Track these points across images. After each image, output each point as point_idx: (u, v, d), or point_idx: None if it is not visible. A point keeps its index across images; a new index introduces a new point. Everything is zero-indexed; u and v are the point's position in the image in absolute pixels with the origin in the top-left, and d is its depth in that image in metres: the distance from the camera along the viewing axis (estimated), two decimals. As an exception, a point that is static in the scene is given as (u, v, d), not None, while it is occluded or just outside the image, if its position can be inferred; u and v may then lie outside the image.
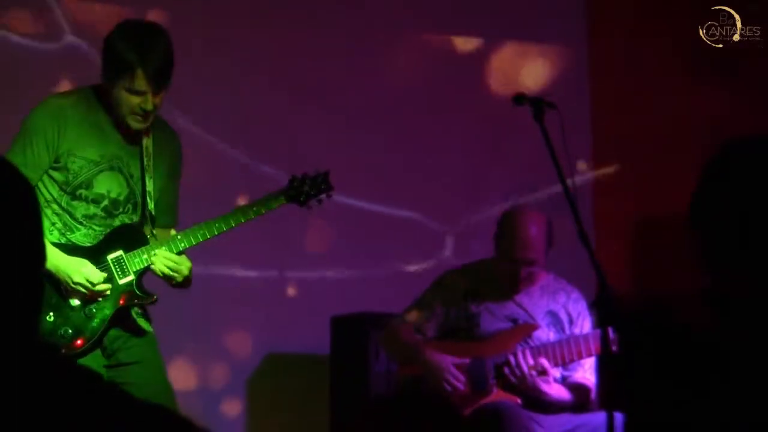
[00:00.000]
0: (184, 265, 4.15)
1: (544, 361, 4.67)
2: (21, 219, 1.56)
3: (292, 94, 5.98)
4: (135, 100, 3.99)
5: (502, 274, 4.84)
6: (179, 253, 4.16)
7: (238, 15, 5.90)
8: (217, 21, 5.86)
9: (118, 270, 4.11)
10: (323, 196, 4.38)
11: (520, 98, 4.19)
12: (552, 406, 4.74)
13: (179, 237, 4.16)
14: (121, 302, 4.13)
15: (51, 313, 4.05)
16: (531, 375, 4.65)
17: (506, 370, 4.68)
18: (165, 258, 4.12)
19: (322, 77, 6.04)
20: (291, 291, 5.96)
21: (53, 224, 4.09)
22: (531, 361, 4.67)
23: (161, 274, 4.13)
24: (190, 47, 5.17)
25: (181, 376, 5.64)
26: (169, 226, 4.28)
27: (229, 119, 5.89)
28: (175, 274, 4.13)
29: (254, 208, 4.24)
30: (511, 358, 4.68)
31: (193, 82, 5.44)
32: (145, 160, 4.14)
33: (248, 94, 5.92)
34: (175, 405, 4.21)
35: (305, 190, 4.33)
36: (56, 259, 4.02)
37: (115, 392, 1.56)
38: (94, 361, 4.08)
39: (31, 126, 4.07)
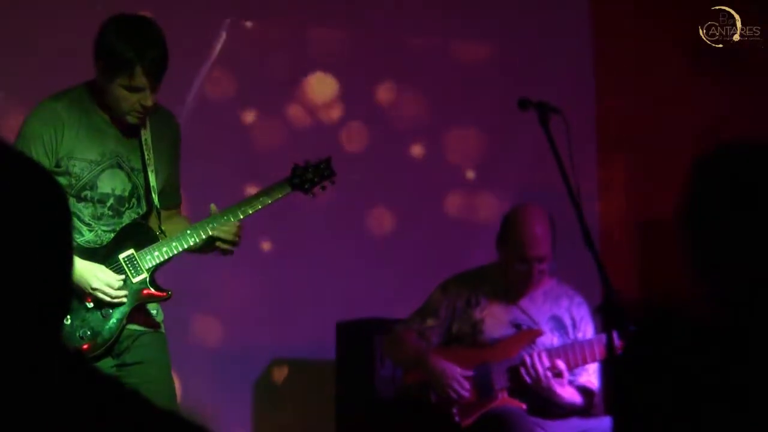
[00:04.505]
0: (237, 227, 4.16)
1: (561, 363, 4.66)
2: (51, 219, 1.57)
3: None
4: (134, 97, 3.96)
5: (514, 274, 4.82)
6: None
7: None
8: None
9: (131, 269, 4.10)
10: (327, 182, 4.36)
11: (524, 102, 4.18)
12: (561, 409, 4.73)
13: (189, 232, 4.14)
14: (137, 301, 4.12)
15: (68, 316, 4.04)
16: (546, 377, 4.64)
17: (522, 371, 4.68)
18: (225, 228, 4.13)
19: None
20: (296, 296, 5.95)
21: None
22: (547, 363, 4.66)
23: (225, 243, 4.13)
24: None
25: (187, 381, 5.63)
26: (175, 207, 4.29)
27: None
28: (236, 238, 4.15)
29: (260, 199, 4.21)
30: (527, 359, 4.67)
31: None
32: (145, 153, 4.12)
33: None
34: (176, 405, 4.21)
35: (309, 177, 4.30)
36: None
37: (135, 399, 1.57)
38: (103, 363, 4.08)
39: (27, 133, 4.05)
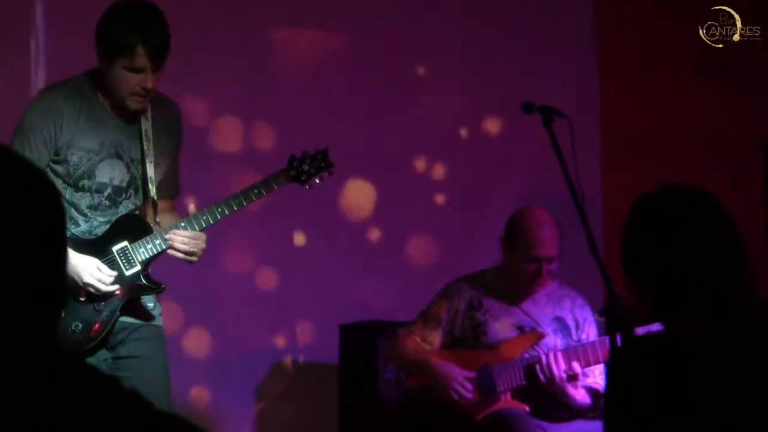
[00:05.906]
0: (201, 239, 4.11)
1: (576, 366, 4.66)
2: (48, 218, 1.57)
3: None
4: (135, 78, 3.95)
5: (521, 274, 4.80)
6: None
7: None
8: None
9: (124, 261, 4.09)
10: (324, 173, 4.33)
11: (528, 106, 4.18)
12: (570, 411, 4.74)
13: (182, 224, 4.12)
14: (129, 294, 4.10)
15: None
16: (561, 378, 4.65)
17: (537, 368, 4.68)
18: (181, 238, 4.08)
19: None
20: (299, 299, 5.94)
21: None
22: (563, 364, 4.66)
23: (181, 255, 4.10)
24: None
25: (189, 383, 5.63)
26: (171, 197, 4.28)
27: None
28: (196, 250, 4.10)
29: (255, 191, 4.17)
30: (543, 358, 4.67)
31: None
32: (144, 144, 4.11)
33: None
34: (171, 403, 4.18)
35: (305, 169, 4.28)
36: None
37: (135, 399, 1.57)
38: (98, 355, 4.07)
39: (27, 124, 4.04)
